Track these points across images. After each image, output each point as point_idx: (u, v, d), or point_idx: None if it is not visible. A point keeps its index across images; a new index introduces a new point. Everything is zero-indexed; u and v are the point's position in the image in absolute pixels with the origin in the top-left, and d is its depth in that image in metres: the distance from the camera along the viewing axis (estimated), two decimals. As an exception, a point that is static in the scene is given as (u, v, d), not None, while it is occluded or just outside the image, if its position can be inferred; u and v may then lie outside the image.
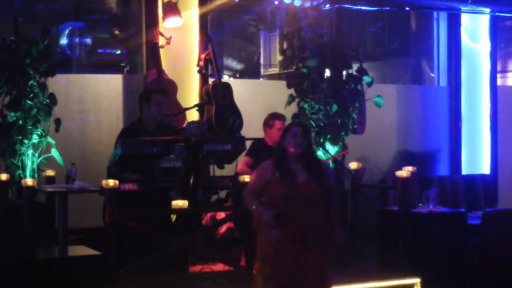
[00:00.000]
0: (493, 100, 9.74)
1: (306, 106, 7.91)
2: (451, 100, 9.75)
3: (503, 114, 9.84)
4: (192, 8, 8.02)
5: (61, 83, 6.83)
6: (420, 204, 7.08)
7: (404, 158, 9.23)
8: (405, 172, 6.74)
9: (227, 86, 7.64)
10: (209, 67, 8.01)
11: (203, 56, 7.86)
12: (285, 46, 8.43)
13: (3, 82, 6.64)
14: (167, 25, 7.77)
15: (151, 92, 6.91)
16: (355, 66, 8.21)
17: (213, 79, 7.78)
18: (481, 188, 9.19)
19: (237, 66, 12.11)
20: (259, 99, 8.62)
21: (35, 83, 6.72)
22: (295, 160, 4.75)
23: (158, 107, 6.68)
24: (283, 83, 8.27)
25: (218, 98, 7.50)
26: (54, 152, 6.84)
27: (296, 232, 4.64)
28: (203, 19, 8.08)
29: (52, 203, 6.56)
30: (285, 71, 8.78)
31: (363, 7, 8.80)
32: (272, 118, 7.40)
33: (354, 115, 7.98)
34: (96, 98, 7.90)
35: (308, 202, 4.66)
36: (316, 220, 4.68)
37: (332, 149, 7.82)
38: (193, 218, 6.80)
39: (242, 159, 7.27)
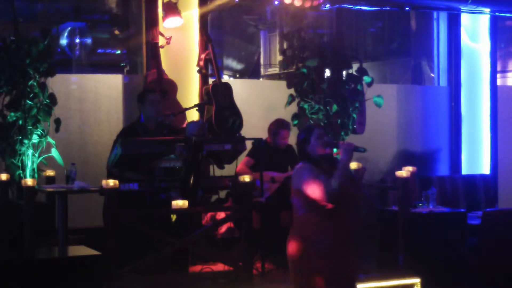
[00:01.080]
0: (493, 100, 9.74)
1: (306, 106, 7.91)
2: (451, 100, 9.75)
3: (503, 114, 9.84)
4: (192, 8, 8.03)
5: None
6: (420, 204, 7.08)
7: (404, 158, 9.23)
8: (405, 172, 6.74)
9: (227, 86, 7.65)
10: (209, 67, 8.02)
11: (203, 56, 7.86)
12: (285, 46, 8.43)
13: (3, 82, 6.64)
14: (167, 25, 7.78)
15: (146, 92, 6.93)
16: (355, 66, 8.21)
17: (213, 79, 7.78)
18: (481, 188, 9.18)
19: (237, 66, 12.11)
20: (259, 99, 8.62)
21: (35, 83, 6.72)
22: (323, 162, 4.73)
23: (153, 107, 6.68)
24: (283, 83, 8.27)
25: (218, 98, 7.50)
26: (54, 152, 6.84)
27: (339, 231, 4.62)
28: (203, 19, 8.09)
29: (52, 203, 6.56)
30: (285, 71, 8.77)
31: (363, 7, 8.80)
32: (278, 127, 7.39)
33: (354, 115, 7.97)
34: (96, 98, 7.90)
35: (347, 202, 4.63)
36: (352, 219, 4.66)
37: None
38: (193, 218, 6.80)
39: (242, 159, 7.27)
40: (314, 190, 4.56)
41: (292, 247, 4.70)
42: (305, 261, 4.64)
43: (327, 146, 4.68)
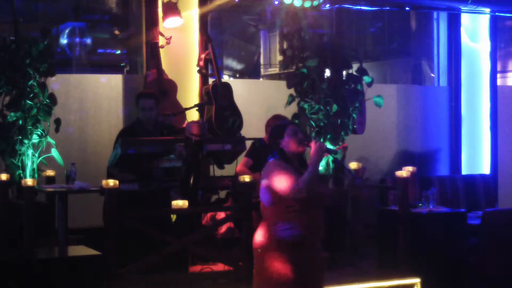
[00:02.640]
0: (493, 100, 9.74)
1: (306, 106, 7.90)
2: (451, 100, 9.75)
3: (503, 114, 9.85)
4: (192, 8, 8.03)
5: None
6: (420, 204, 7.08)
7: (404, 158, 9.24)
8: (405, 172, 6.74)
9: (227, 86, 7.65)
10: (209, 67, 8.02)
11: (203, 56, 7.86)
12: (285, 46, 8.42)
13: (3, 82, 6.63)
14: (167, 25, 7.78)
15: (139, 96, 6.85)
16: (355, 66, 8.20)
17: (213, 79, 7.78)
18: (481, 188, 9.19)
19: (237, 66, 12.11)
20: (259, 99, 8.62)
21: (35, 83, 6.72)
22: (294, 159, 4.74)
23: (144, 112, 6.65)
24: (283, 83, 8.27)
25: (218, 98, 7.50)
26: (54, 152, 6.84)
27: (311, 228, 4.62)
28: (203, 19, 8.09)
29: (52, 203, 6.56)
30: (285, 71, 8.77)
31: (363, 7, 8.80)
32: (273, 119, 7.38)
33: (354, 115, 7.97)
34: (96, 98, 7.90)
35: (315, 199, 4.63)
36: (318, 217, 4.67)
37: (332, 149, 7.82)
38: (193, 218, 6.80)
39: (242, 159, 7.27)
40: (282, 185, 4.54)
41: (265, 234, 4.62)
42: (279, 249, 4.55)
43: (301, 143, 4.68)
